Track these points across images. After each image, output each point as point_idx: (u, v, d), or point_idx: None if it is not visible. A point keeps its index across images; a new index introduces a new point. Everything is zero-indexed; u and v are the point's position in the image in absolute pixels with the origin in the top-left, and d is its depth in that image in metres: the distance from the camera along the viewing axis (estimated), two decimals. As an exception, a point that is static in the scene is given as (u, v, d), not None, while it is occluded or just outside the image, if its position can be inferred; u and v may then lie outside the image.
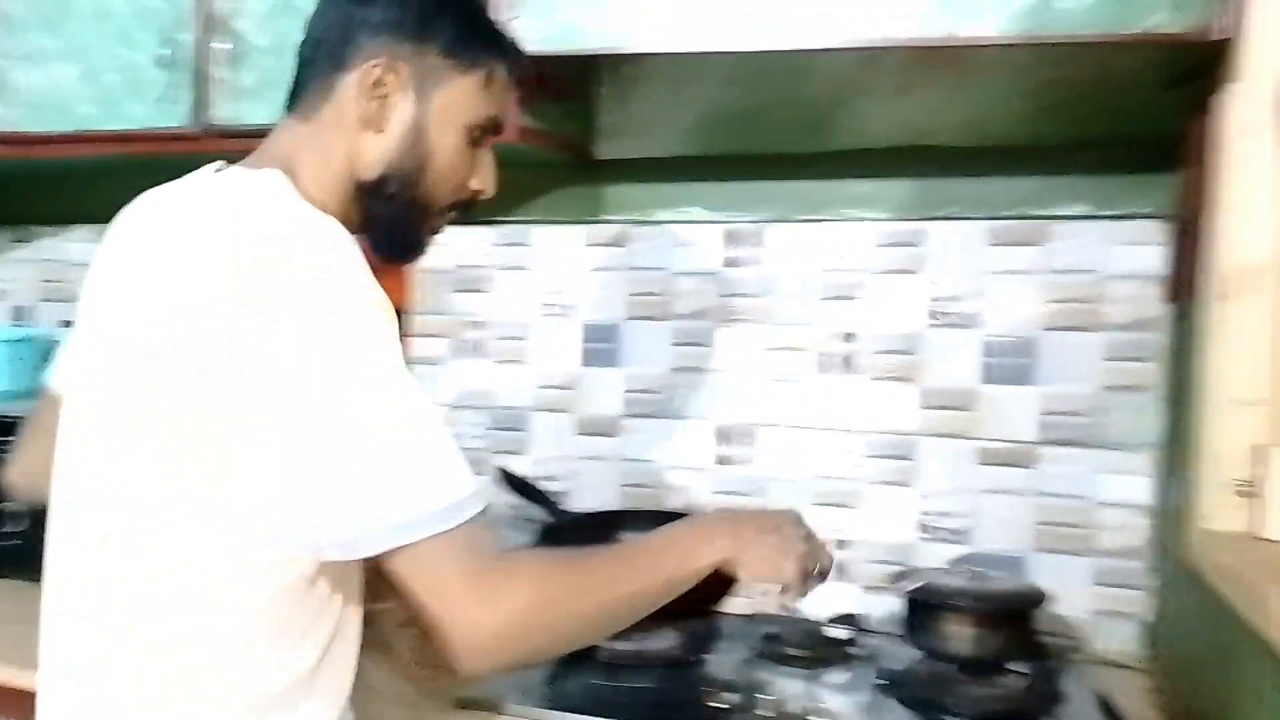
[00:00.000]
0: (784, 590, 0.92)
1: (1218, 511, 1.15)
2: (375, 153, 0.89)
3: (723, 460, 1.67)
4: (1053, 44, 1.19)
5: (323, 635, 0.81)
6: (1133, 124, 1.44)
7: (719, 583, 0.92)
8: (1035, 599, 1.32)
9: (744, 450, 1.66)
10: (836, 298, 1.61)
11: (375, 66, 0.86)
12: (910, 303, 1.58)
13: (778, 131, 1.61)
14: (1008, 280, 1.54)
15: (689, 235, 1.69)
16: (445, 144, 0.91)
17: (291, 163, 0.86)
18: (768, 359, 1.65)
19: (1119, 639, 1.49)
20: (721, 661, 1.40)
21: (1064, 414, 1.52)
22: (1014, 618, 1.31)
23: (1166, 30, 1.12)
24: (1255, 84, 1.11)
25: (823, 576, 0.95)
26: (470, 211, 0.99)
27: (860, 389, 1.60)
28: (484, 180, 0.96)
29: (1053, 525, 1.52)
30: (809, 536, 0.95)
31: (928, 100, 1.54)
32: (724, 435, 1.67)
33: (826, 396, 1.61)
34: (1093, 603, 1.51)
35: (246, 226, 0.79)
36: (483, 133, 0.94)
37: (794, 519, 0.97)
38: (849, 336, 1.60)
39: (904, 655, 1.41)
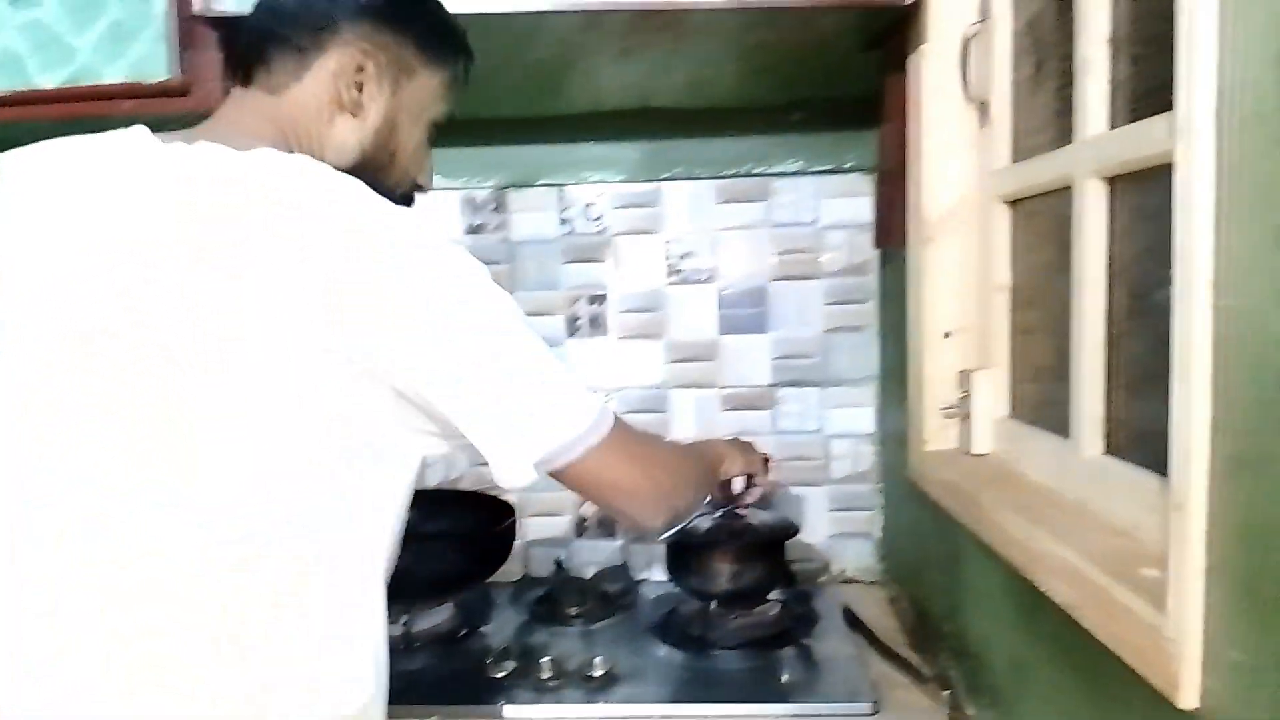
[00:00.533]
0: (751, 479, 1.23)
1: (934, 433, 1.28)
2: (351, 138, 0.88)
3: (479, 430, 1.65)
4: (760, 8, 1.26)
5: (294, 634, 0.76)
6: (837, 84, 1.55)
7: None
8: (787, 532, 1.42)
9: (500, 418, 1.65)
10: (581, 260, 1.64)
11: (359, 51, 0.86)
12: (650, 261, 1.64)
13: (508, 95, 1.60)
14: (737, 235, 1.63)
15: (427, 203, 1.64)
16: (412, 137, 0.92)
17: (272, 140, 0.80)
18: (517, 325, 1.64)
19: (856, 558, 1.65)
20: (497, 630, 1.41)
21: (794, 357, 1.64)
22: (766, 551, 1.40)
23: (864, -7, 1.21)
24: (942, 45, 1.23)
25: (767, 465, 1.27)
26: (410, 205, 0.97)
27: (609, 348, 1.64)
28: (427, 176, 0.98)
29: (792, 460, 1.64)
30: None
31: (650, 63, 1.58)
32: (478, 405, 1.65)
33: (578, 357, 1.64)
34: (831, 527, 1.64)
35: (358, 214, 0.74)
36: (437, 130, 0.95)
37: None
38: (596, 298, 1.64)
39: (670, 598, 1.47)
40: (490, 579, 1.44)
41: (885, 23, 1.35)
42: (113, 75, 1.23)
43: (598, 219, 1.64)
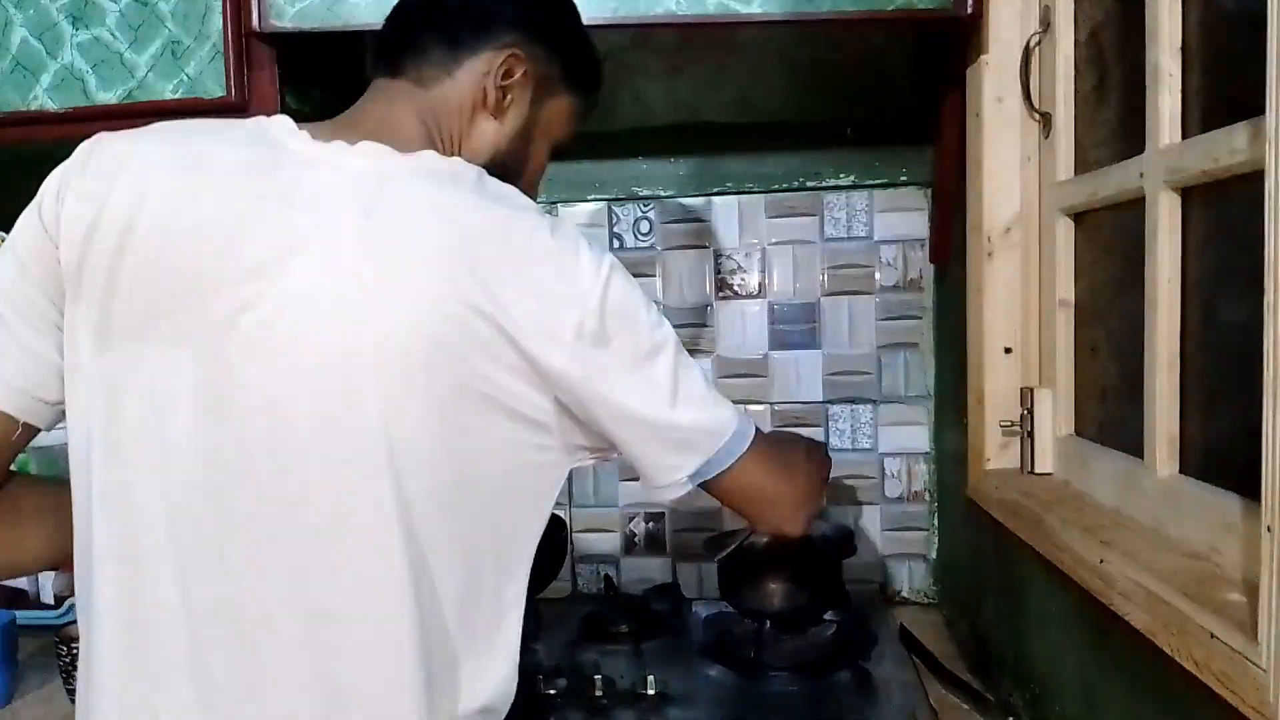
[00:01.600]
0: None
1: (994, 452, 1.26)
2: (488, 138, 0.86)
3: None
4: (811, 22, 1.25)
5: (466, 638, 0.77)
6: (890, 98, 1.54)
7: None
8: (843, 551, 1.39)
9: (548, 434, 1.64)
10: (631, 274, 1.62)
11: (512, 56, 0.85)
12: (700, 276, 1.62)
13: (559, 112, 1.60)
14: (787, 250, 1.61)
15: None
16: (539, 154, 0.92)
17: (422, 137, 0.82)
18: (565, 341, 1.64)
19: (911, 578, 1.61)
20: (547, 648, 1.40)
21: (846, 373, 1.61)
22: (821, 570, 1.38)
23: (919, 7, 1.19)
24: (1002, 56, 1.20)
25: None
26: None
27: (659, 364, 1.62)
28: (536, 197, 0.96)
29: (844, 478, 1.61)
30: None
31: (699, 80, 1.58)
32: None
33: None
34: (886, 548, 1.61)
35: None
36: (557, 153, 0.94)
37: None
38: (645, 313, 1.62)
39: (722, 618, 1.45)
40: (540, 595, 1.43)
41: (941, 35, 1.34)
42: (170, 92, 1.24)
43: (648, 233, 1.63)
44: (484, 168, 0.82)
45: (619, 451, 0.80)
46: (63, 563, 0.79)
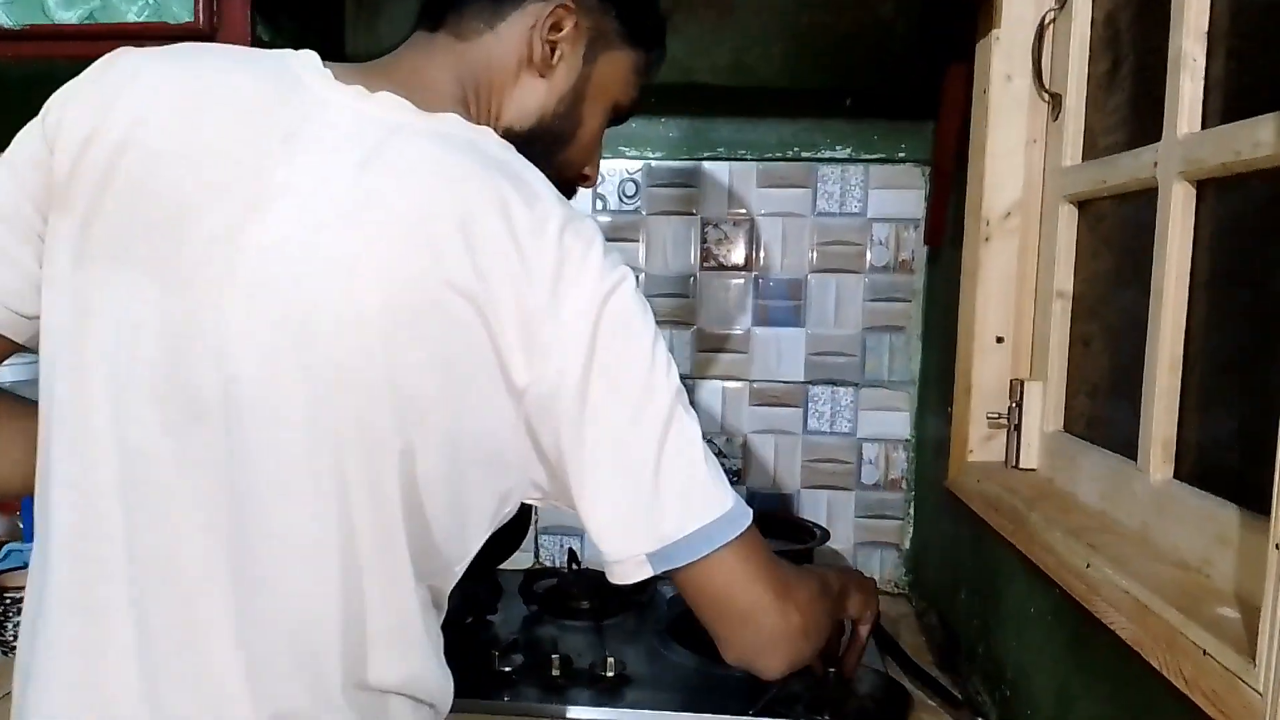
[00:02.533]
0: (856, 624, 0.99)
1: (978, 444, 1.22)
2: (534, 100, 0.79)
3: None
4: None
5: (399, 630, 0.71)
6: (893, 70, 1.48)
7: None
8: (815, 537, 1.35)
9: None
10: (613, 239, 1.56)
11: (560, 8, 0.78)
12: (685, 244, 1.57)
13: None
14: (777, 222, 1.56)
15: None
16: (594, 116, 0.83)
17: (454, 96, 0.75)
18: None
19: (883, 567, 1.58)
20: (505, 621, 1.35)
21: (830, 354, 1.56)
22: (792, 556, 1.33)
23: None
24: (1014, 33, 1.15)
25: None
26: (571, 195, 0.87)
27: (637, 333, 1.57)
28: (596, 167, 0.89)
29: (820, 462, 1.58)
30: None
31: (693, 39, 1.52)
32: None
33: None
34: (858, 535, 1.58)
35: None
36: (617, 117, 0.86)
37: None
38: (626, 279, 1.57)
39: (686, 599, 1.41)
40: (500, 565, 1.39)
41: (950, 7, 1.28)
42: (134, 15, 1.17)
43: (633, 196, 1.57)
44: (531, 131, 0.77)
45: (575, 509, 0.69)
46: (28, 491, 0.75)
